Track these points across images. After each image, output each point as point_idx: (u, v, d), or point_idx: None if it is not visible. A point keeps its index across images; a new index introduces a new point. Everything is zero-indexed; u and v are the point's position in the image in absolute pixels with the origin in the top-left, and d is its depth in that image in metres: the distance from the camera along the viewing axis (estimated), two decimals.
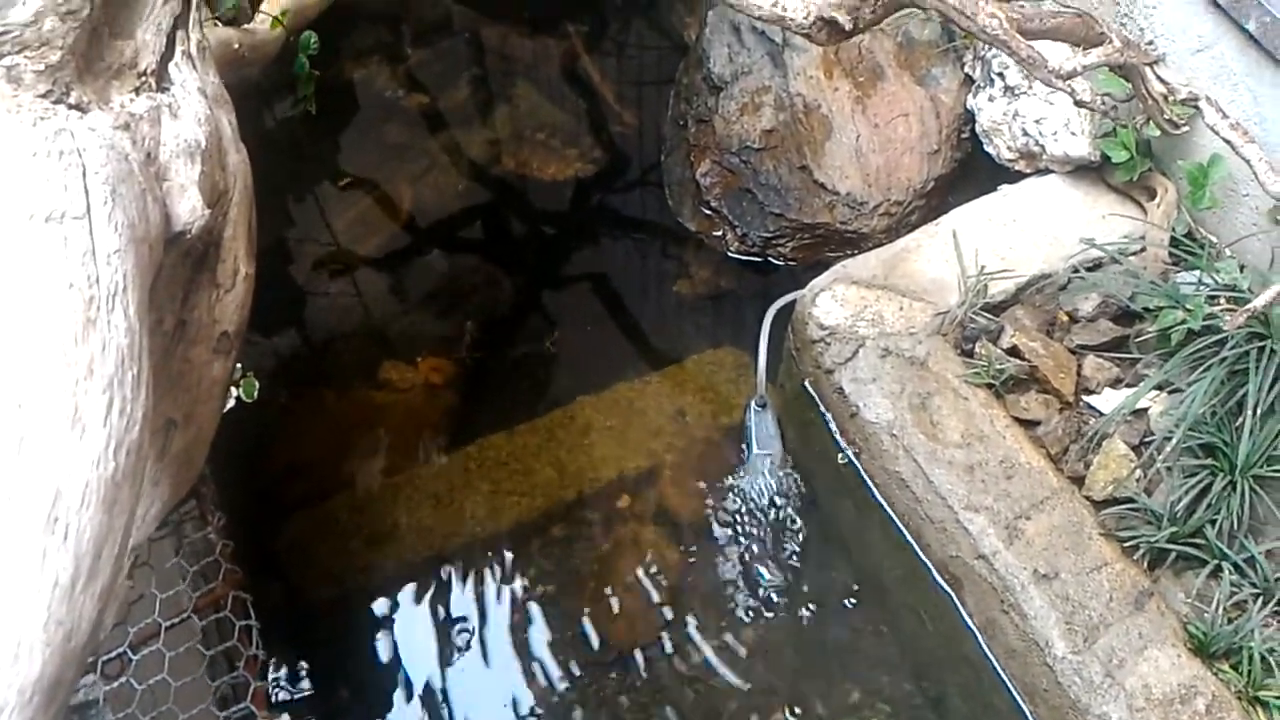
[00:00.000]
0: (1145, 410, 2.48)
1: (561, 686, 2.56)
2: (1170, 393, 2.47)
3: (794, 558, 2.71)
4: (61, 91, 1.41)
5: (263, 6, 2.86)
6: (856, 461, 2.67)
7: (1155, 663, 2.21)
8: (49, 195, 1.29)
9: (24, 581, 1.16)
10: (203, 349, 1.69)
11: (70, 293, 1.25)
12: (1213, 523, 2.31)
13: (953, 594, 2.49)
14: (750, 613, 2.64)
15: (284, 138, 3.44)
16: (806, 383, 2.79)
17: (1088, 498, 2.43)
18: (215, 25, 2.68)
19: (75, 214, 1.29)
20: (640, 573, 2.72)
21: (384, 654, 2.61)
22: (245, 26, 2.78)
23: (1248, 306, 2.28)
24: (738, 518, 2.77)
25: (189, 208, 1.51)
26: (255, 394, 2.39)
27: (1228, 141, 2.32)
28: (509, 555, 2.75)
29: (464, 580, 2.72)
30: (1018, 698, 2.36)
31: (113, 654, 2.01)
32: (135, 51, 1.56)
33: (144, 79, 1.55)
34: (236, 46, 2.61)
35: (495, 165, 3.59)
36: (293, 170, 3.49)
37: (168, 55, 1.60)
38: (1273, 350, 2.32)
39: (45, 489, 1.19)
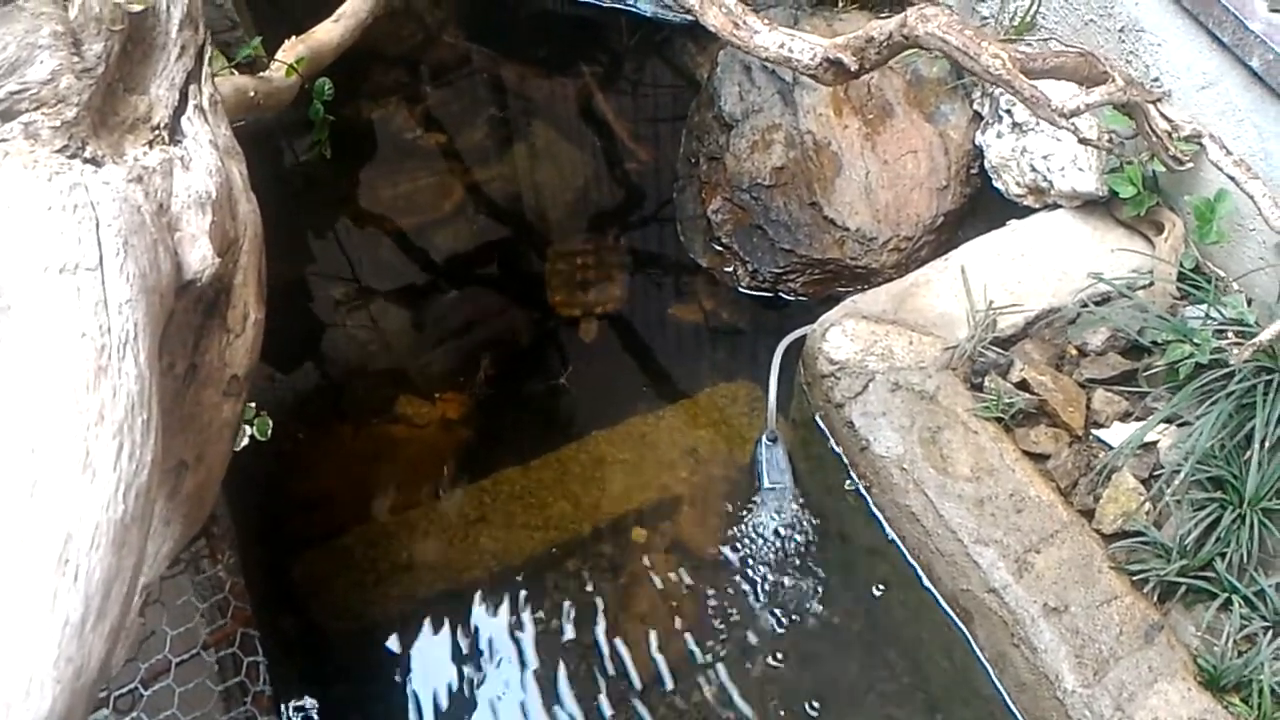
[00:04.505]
0: (1154, 443, 2.49)
1: None
2: (1179, 426, 2.48)
3: (805, 591, 2.72)
4: (77, 146, 1.46)
5: (278, 54, 2.91)
6: (867, 495, 2.68)
7: (1165, 696, 2.21)
8: (63, 248, 1.33)
9: (35, 620, 1.19)
10: (213, 392, 1.73)
11: (82, 342, 1.29)
12: (1222, 556, 2.31)
13: (963, 627, 2.50)
14: (763, 646, 2.65)
15: (302, 177, 3.50)
16: (817, 417, 2.81)
17: (1097, 531, 2.43)
18: (232, 73, 2.74)
19: (88, 265, 1.33)
20: (654, 606, 2.73)
21: (398, 688, 2.62)
22: (261, 74, 2.83)
23: (1255, 340, 2.29)
24: (750, 551, 2.78)
25: (200, 257, 1.55)
26: (269, 432, 2.43)
27: (1231, 178, 2.34)
28: (524, 589, 2.76)
29: (479, 614, 2.73)
30: None
31: (124, 689, 2.04)
32: (149, 106, 1.61)
33: (157, 132, 1.60)
34: (252, 94, 2.66)
35: (511, 203, 3.63)
36: (311, 208, 3.54)
37: (180, 109, 1.65)
38: None
39: (56, 531, 1.22)
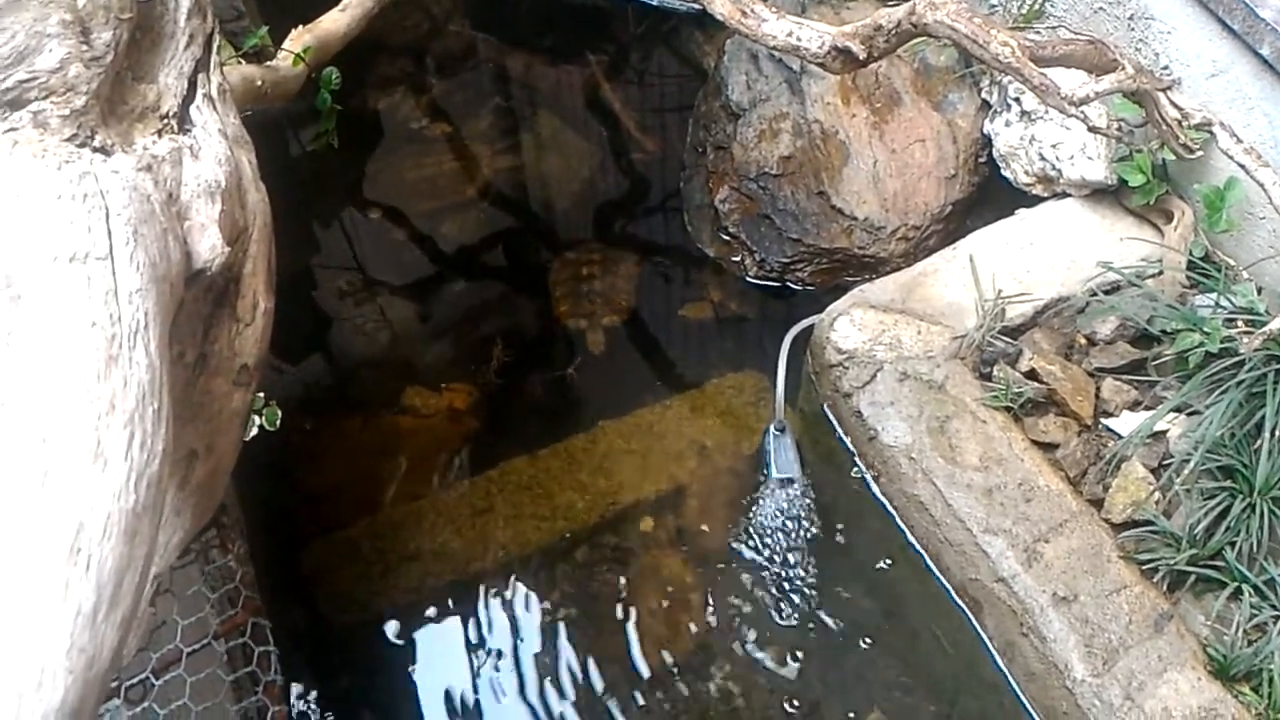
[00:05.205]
0: (1164, 433, 2.49)
1: (584, 711, 2.57)
2: (1189, 415, 2.47)
3: (813, 580, 2.71)
4: (86, 135, 1.45)
5: (285, 43, 2.91)
6: (875, 484, 2.69)
7: (1175, 685, 2.21)
8: (73, 237, 1.33)
9: (47, 610, 1.19)
10: (223, 381, 1.73)
11: (93, 331, 1.29)
12: (1232, 545, 2.31)
13: (972, 617, 2.50)
14: (771, 636, 2.65)
15: (309, 167, 3.50)
16: (825, 406, 2.81)
17: (1107, 520, 2.44)
18: (239, 62, 2.73)
19: (98, 255, 1.33)
20: (662, 596, 2.73)
21: (407, 678, 2.63)
22: (268, 63, 2.82)
23: (1265, 329, 2.29)
24: (757, 541, 2.78)
25: (209, 246, 1.55)
26: (277, 422, 2.43)
27: (1242, 166, 2.33)
28: (531, 579, 2.76)
29: (486, 604, 2.73)
30: None
31: (135, 679, 2.04)
32: (158, 95, 1.60)
33: (166, 121, 1.59)
34: (259, 83, 2.65)
35: (517, 193, 3.63)
36: (318, 198, 3.54)
37: (189, 98, 1.65)
38: None
39: (68, 521, 1.22)
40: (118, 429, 1.27)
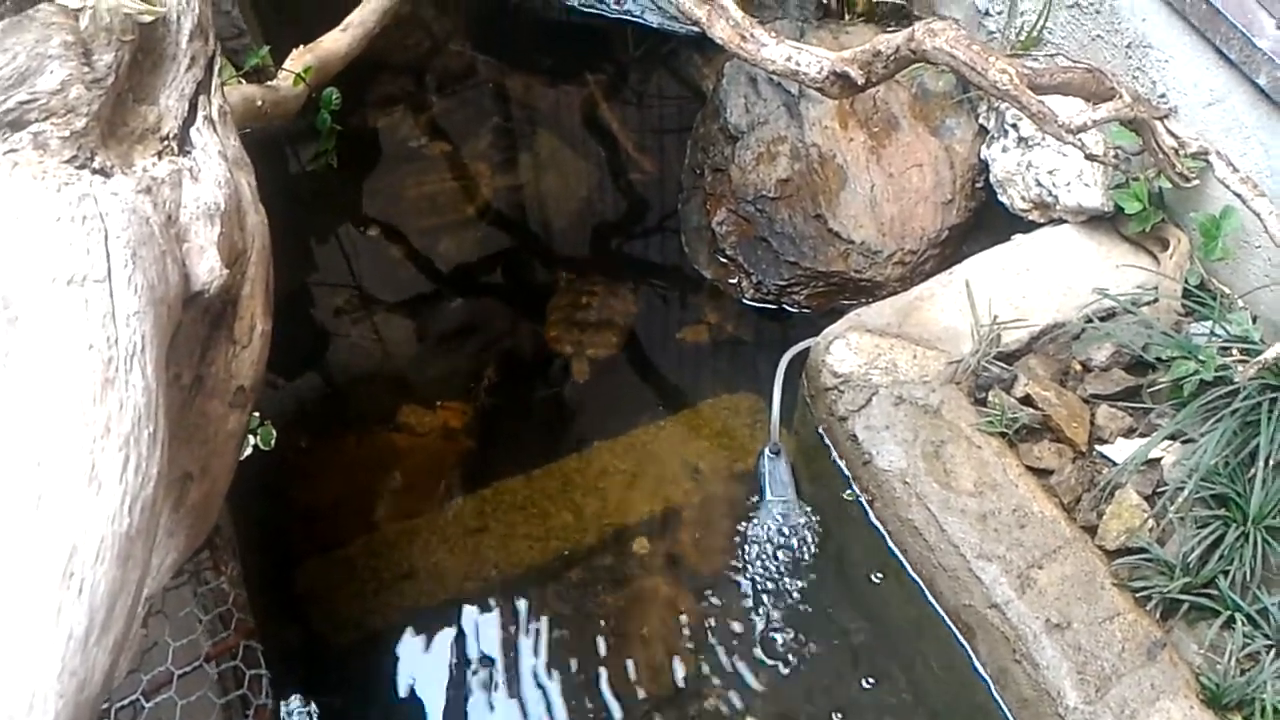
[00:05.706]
0: (1158, 460, 2.49)
1: None
2: (1183, 443, 2.48)
3: (807, 605, 2.71)
4: (86, 157, 1.46)
5: (286, 63, 2.91)
6: (869, 509, 2.68)
7: (1167, 714, 2.21)
8: (71, 259, 1.33)
9: (39, 633, 1.19)
10: (219, 403, 1.73)
11: (90, 354, 1.29)
12: (1225, 573, 2.31)
13: (965, 643, 2.49)
14: (763, 659, 2.64)
15: (308, 186, 3.50)
16: (820, 430, 2.80)
17: (1100, 547, 2.43)
18: (239, 82, 2.74)
19: (96, 277, 1.33)
20: (656, 618, 2.73)
21: (400, 698, 2.62)
22: (268, 83, 2.83)
23: (1260, 358, 2.29)
24: (752, 564, 2.78)
25: (208, 268, 1.56)
26: (272, 442, 2.43)
27: (1238, 195, 2.34)
28: (526, 599, 2.76)
29: (480, 624, 2.73)
30: None
31: (126, 701, 2.03)
32: (158, 117, 1.61)
33: (166, 143, 1.60)
34: (259, 103, 2.66)
35: (515, 212, 3.64)
36: (317, 217, 3.55)
37: (190, 120, 1.65)
38: None
39: (62, 544, 1.22)
40: (113, 452, 1.27)
